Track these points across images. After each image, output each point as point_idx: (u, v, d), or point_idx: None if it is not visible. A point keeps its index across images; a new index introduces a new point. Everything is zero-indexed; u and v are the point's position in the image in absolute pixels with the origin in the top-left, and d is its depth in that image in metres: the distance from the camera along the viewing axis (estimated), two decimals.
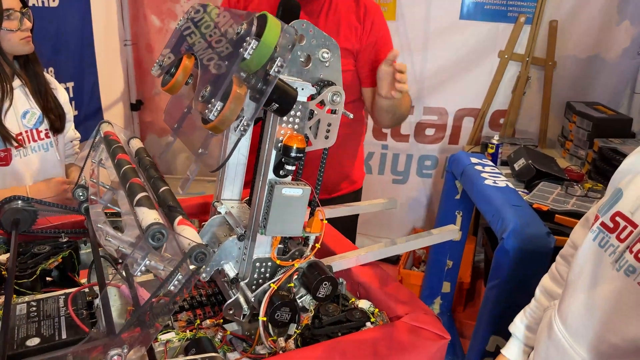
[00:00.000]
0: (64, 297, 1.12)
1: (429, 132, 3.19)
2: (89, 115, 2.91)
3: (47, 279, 1.23)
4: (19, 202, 1.27)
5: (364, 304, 1.07)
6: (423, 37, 2.94)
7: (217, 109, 0.82)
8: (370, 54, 1.71)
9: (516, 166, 2.43)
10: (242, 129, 0.85)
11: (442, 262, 2.56)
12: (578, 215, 1.93)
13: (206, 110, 0.82)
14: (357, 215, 1.99)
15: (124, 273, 1.16)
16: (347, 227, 1.97)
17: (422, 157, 3.24)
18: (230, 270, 1.11)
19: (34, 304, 1.09)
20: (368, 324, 1.00)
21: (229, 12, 1.05)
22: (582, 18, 2.81)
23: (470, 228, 2.99)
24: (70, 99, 2.73)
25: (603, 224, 0.98)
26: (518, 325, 1.25)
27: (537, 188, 2.17)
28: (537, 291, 1.26)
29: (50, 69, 2.54)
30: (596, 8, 2.77)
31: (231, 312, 1.04)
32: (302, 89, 0.97)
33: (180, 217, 0.88)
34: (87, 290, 1.14)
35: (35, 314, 1.06)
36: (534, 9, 2.83)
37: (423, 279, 2.67)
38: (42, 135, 1.65)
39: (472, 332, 1.81)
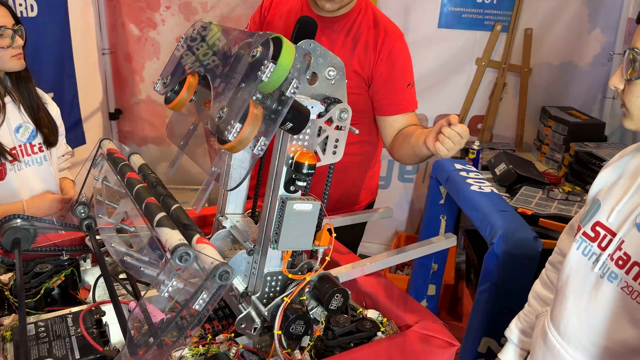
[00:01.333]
0: (71, 316, 1.12)
1: None
2: (70, 126, 2.86)
3: (49, 298, 1.23)
4: (18, 220, 1.25)
5: (372, 313, 1.10)
6: None
7: (236, 130, 0.84)
8: (383, 83, 1.65)
9: (497, 171, 2.50)
10: (259, 149, 0.87)
11: (428, 265, 2.61)
12: (561, 218, 2.01)
13: (225, 132, 0.84)
14: (364, 223, 1.95)
15: (131, 289, 1.17)
16: (356, 234, 2.00)
17: None
18: (239, 284, 1.12)
19: (41, 324, 1.09)
20: (379, 333, 1.03)
21: (236, 31, 1.07)
22: (555, 26, 2.92)
23: (452, 230, 3.06)
24: None
25: (585, 234, 1.04)
26: (513, 330, 1.30)
27: (519, 192, 2.25)
28: (530, 297, 1.32)
29: None
30: (569, 17, 2.89)
31: (243, 326, 1.06)
32: (312, 107, 1.00)
33: (198, 236, 0.90)
34: (93, 308, 1.14)
35: (45, 334, 1.05)
36: (510, 18, 2.92)
37: (409, 282, 2.73)
38: (36, 149, 1.64)
39: (464, 335, 1.86)
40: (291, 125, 0.92)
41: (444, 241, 1.30)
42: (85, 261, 1.34)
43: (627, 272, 0.91)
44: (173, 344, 0.84)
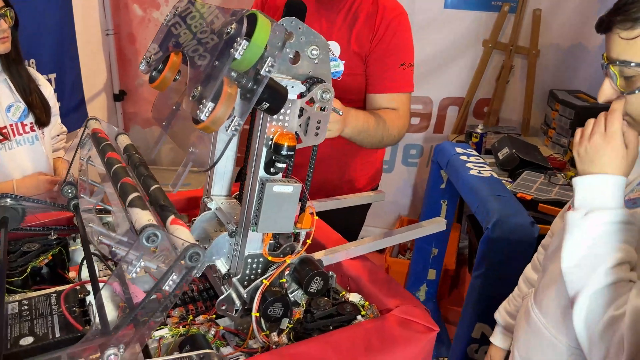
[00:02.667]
0: (55, 295, 1.12)
1: (414, 121, 3.21)
2: (72, 107, 2.87)
3: (38, 277, 1.24)
4: (8, 199, 1.26)
5: (354, 297, 1.09)
6: None
7: (208, 109, 0.82)
8: (375, 60, 1.59)
9: (500, 155, 2.46)
10: (233, 129, 0.85)
11: (428, 250, 2.60)
12: (561, 203, 1.97)
13: (197, 111, 0.83)
14: (368, 205, 1.89)
15: (115, 270, 1.16)
16: (355, 221, 1.97)
17: (408, 146, 3.27)
18: (222, 266, 1.12)
19: (25, 302, 1.09)
20: (359, 317, 1.02)
21: (218, 8, 1.04)
22: (565, 7, 2.84)
23: (454, 216, 3.04)
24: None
25: (570, 208, 1.01)
26: (502, 313, 1.30)
27: (520, 177, 2.21)
28: (520, 280, 1.31)
29: (32, 60, 2.50)
30: None
31: (224, 307, 1.05)
32: (292, 87, 0.98)
33: (172, 217, 0.89)
34: (78, 287, 1.15)
35: (28, 312, 1.06)
36: None
37: (409, 267, 2.71)
38: (27, 128, 1.64)
39: (459, 320, 1.85)
40: (268, 105, 0.90)
41: (433, 225, 1.27)
42: (74, 241, 1.34)
43: None
44: (147, 321, 0.84)
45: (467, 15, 2.93)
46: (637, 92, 0.89)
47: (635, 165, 0.94)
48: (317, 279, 1.01)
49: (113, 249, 0.82)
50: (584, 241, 0.87)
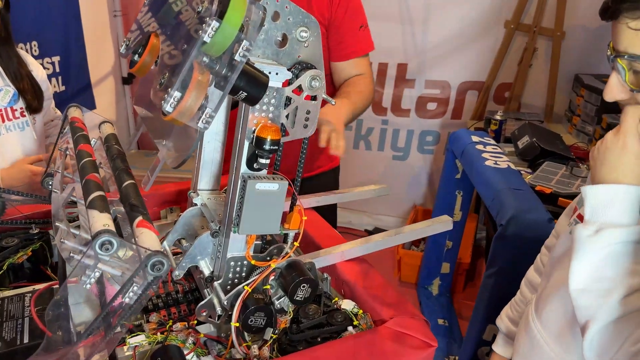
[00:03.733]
0: (30, 294, 1.06)
1: (431, 106, 3.07)
2: (79, 91, 2.81)
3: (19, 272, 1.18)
4: None
5: (347, 304, 0.99)
6: (424, 6, 2.79)
7: (175, 99, 0.73)
8: (337, 27, 1.57)
9: (520, 144, 2.32)
10: (204, 121, 0.75)
11: (442, 242, 2.49)
12: None
13: (162, 102, 0.73)
14: (334, 207, 1.89)
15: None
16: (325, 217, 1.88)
17: (424, 132, 3.14)
18: (206, 267, 1.03)
19: None
20: (350, 328, 0.93)
21: None
22: None
23: (472, 205, 2.91)
24: (57, 74, 2.64)
25: (580, 216, 0.94)
26: (504, 319, 1.22)
27: (540, 169, 2.07)
28: (522, 283, 1.22)
29: (34, 43, 2.44)
30: None
31: (204, 313, 0.97)
32: (277, 74, 0.87)
33: (140, 218, 0.80)
34: (55, 287, 1.08)
35: None
36: None
37: (422, 260, 2.61)
38: (17, 114, 1.57)
39: (470, 320, 1.75)
40: (245, 94, 0.80)
41: (438, 225, 1.17)
42: None
43: None
44: (107, 334, 0.76)
45: None
46: None
47: None
48: (304, 287, 0.92)
49: (71, 254, 0.73)
50: (594, 262, 0.76)
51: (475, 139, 2.13)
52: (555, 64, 2.84)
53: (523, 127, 2.46)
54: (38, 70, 1.66)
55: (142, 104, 1.09)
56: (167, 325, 0.99)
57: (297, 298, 0.92)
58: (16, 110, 1.56)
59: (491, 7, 2.78)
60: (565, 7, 2.70)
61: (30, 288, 1.10)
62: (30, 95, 1.56)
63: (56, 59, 2.61)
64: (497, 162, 1.89)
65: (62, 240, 0.82)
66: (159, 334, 0.96)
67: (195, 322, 1.00)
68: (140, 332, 0.97)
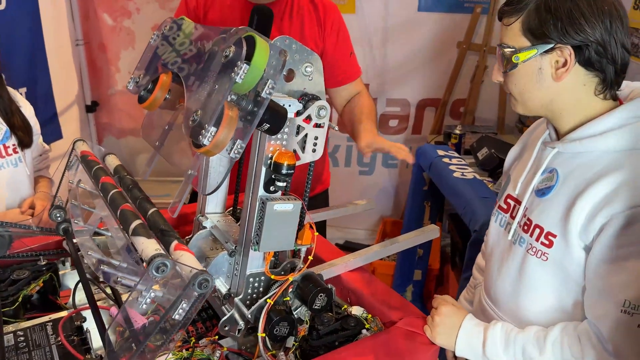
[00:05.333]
0: (51, 324, 1.10)
1: (393, 123, 3.24)
2: (45, 121, 2.79)
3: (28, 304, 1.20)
4: None
5: (357, 310, 1.09)
6: (383, 30, 2.97)
7: (211, 134, 0.82)
8: (330, 56, 1.69)
9: (479, 155, 2.50)
10: (236, 152, 0.84)
11: (413, 250, 2.63)
12: None
13: (200, 136, 0.82)
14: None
15: (111, 294, 1.14)
16: (320, 225, 1.99)
17: None
18: (222, 285, 1.11)
19: (20, 333, 1.07)
20: (364, 331, 1.03)
21: (204, 29, 1.04)
22: None
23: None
24: None
25: (500, 207, 1.17)
26: (462, 302, 1.39)
27: (500, 177, 2.25)
28: (474, 269, 1.42)
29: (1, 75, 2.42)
30: None
31: (227, 328, 1.04)
32: (289, 106, 0.97)
33: (175, 242, 0.88)
34: (72, 315, 1.12)
35: (24, 344, 1.04)
36: None
37: (395, 268, 2.74)
38: (10, 150, 1.59)
39: None
40: (268, 126, 0.90)
41: (425, 234, 1.29)
42: (64, 265, 1.31)
43: (531, 235, 1.02)
44: (156, 349, 0.82)
45: (441, 18, 2.97)
46: (508, 70, 0.99)
47: (530, 158, 1.09)
48: (321, 296, 1.01)
49: (119, 279, 0.80)
50: None
51: (441, 152, 2.29)
52: None
53: (481, 139, 2.64)
54: (26, 106, 1.69)
55: (154, 137, 1.17)
56: (192, 342, 1.05)
57: (316, 307, 1.01)
58: (9, 147, 1.58)
59: (444, 29, 2.99)
60: None
61: (46, 318, 1.13)
62: (21, 131, 1.58)
63: (23, 90, 2.59)
64: (464, 174, 2.05)
65: (102, 268, 0.88)
66: (184, 350, 1.03)
67: (217, 337, 1.08)
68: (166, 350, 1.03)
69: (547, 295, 1.02)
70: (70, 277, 1.31)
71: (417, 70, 3.08)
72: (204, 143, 0.82)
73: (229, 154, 0.85)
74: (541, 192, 1.03)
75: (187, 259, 0.83)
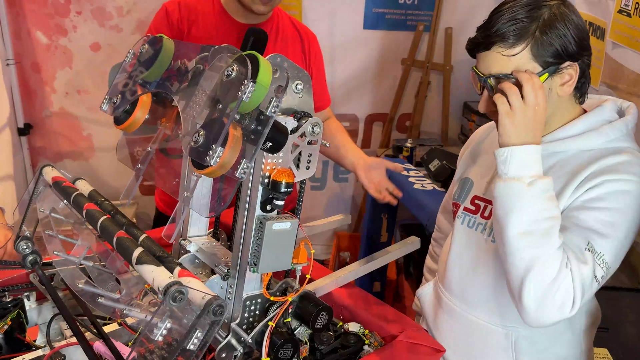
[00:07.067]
0: None
1: None
2: None
3: None
4: None
5: (354, 326, 1.09)
6: (330, 49, 3.01)
7: (218, 154, 0.79)
8: (313, 84, 1.71)
9: (431, 167, 2.58)
10: (242, 171, 0.83)
11: None
12: None
13: (207, 157, 0.79)
14: None
15: (93, 328, 1.07)
16: None
17: None
18: None
19: None
20: (365, 347, 1.02)
21: (182, 47, 1.02)
22: (473, 24, 3.03)
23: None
24: None
25: (466, 209, 1.22)
26: (416, 303, 1.44)
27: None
28: (425, 272, 1.49)
29: None
30: (484, 15, 3.02)
31: (224, 355, 1.01)
32: (285, 123, 0.97)
33: (179, 269, 0.84)
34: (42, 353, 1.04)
35: None
36: (431, 18, 3.03)
37: (355, 282, 2.75)
38: None
39: None
40: (270, 144, 0.88)
41: (409, 245, 1.32)
42: (29, 299, 1.22)
43: None
44: None
45: (385, 35, 3.06)
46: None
47: (492, 160, 1.09)
48: (322, 314, 1.00)
49: (125, 311, 0.75)
50: (535, 208, 0.96)
51: None
52: (447, 94, 3.20)
53: (431, 151, 2.74)
54: None
55: (132, 159, 1.12)
56: None
57: (317, 326, 1.00)
58: None
59: (389, 47, 3.09)
60: (452, 45, 3.08)
61: (19, 359, 1.04)
62: None
63: None
64: (424, 185, 2.11)
65: (100, 301, 0.82)
66: None
67: None
68: None
69: None
70: (35, 312, 1.21)
71: (364, 86, 3.15)
72: (211, 163, 0.79)
73: (235, 174, 0.83)
74: None
75: (196, 285, 0.80)
